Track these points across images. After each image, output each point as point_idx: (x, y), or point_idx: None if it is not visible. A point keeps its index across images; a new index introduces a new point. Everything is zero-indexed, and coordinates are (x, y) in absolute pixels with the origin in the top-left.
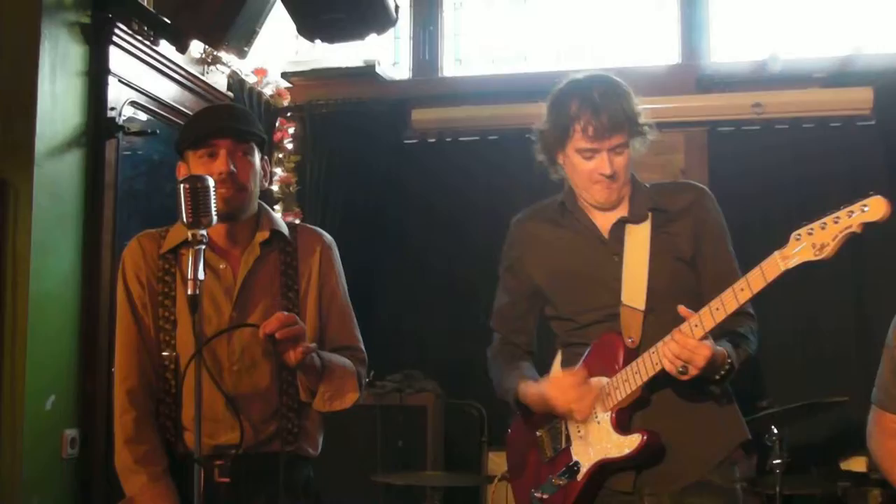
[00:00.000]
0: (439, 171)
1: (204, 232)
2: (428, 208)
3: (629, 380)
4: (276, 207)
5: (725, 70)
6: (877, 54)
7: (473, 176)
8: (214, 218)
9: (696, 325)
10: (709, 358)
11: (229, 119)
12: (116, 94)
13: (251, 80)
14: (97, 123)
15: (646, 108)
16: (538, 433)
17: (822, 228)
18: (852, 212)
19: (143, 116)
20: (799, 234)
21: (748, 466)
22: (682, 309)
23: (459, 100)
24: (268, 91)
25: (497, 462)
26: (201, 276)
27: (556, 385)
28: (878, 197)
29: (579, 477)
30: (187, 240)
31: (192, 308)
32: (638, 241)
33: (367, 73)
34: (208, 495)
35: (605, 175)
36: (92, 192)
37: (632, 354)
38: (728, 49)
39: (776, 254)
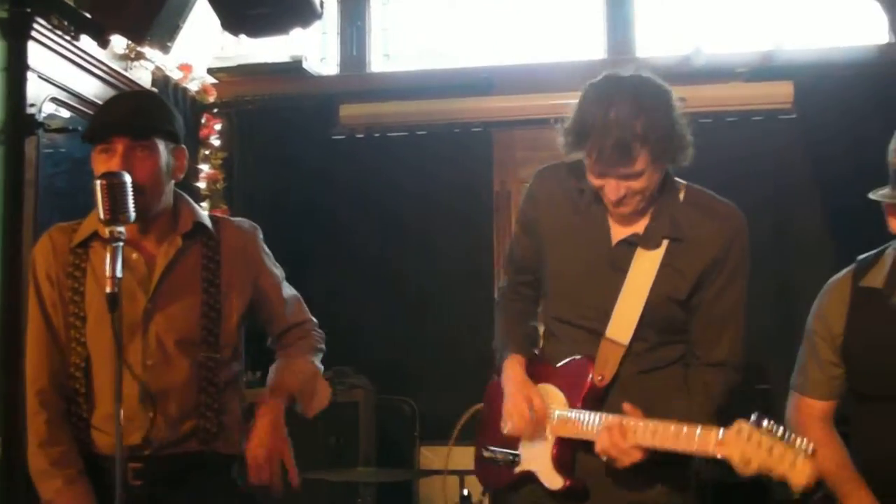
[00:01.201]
0: (368, 167)
1: (122, 229)
2: (357, 204)
3: (577, 426)
4: (204, 204)
5: (650, 65)
6: (798, 49)
7: (402, 171)
8: (132, 215)
9: (634, 433)
10: (636, 462)
11: (128, 114)
12: (36, 91)
13: (176, 76)
14: (16, 120)
15: (574, 102)
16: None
17: (758, 447)
18: (784, 457)
19: (64, 113)
20: (742, 429)
21: None
22: (626, 406)
23: (388, 95)
24: (193, 87)
25: (429, 457)
26: (119, 273)
27: (515, 403)
28: (809, 465)
29: (515, 470)
30: (97, 232)
31: (110, 306)
32: (644, 269)
33: (294, 68)
34: (122, 499)
35: (611, 200)
36: (12, 191)
37: (597, 393)
38: (653, 44)
39: (714, 434)
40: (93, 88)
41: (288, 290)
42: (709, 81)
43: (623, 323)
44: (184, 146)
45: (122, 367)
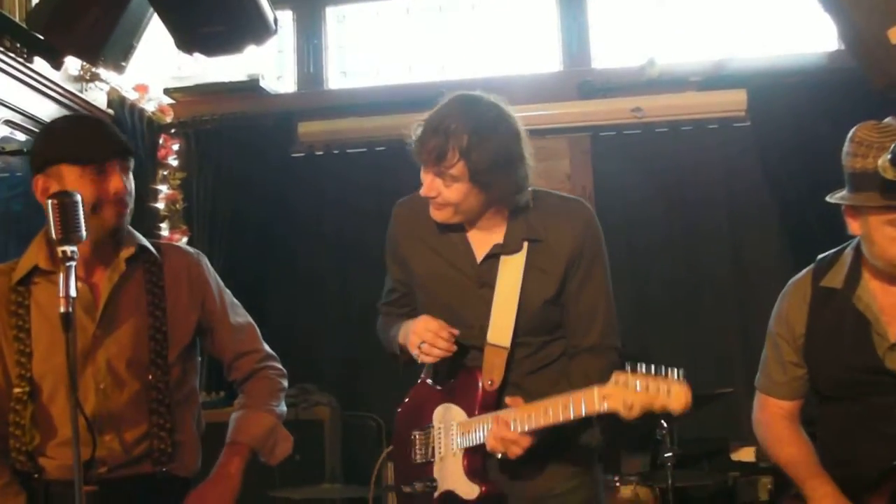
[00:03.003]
0: (328, 184)
1: (74, 248)
2: (317, 221)
3: (476, 432)
4: (163, 226)
5: (606, 76)
6: (749, 57)
7: (362, 187)
8: (84, 233)
9: (518, 421)
10: (526, 449)
11: (112, 136)
12: None
13: (132, 96)
14: None
15: (531, 114)
16: (413, 433)
17: (636, 390)
18: (659, 390)
19: (20, 136)
20: (618, 380)
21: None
22: (507, 399)
23: (346, 112)
24: (150, 107)
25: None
26: (73, 292)
27: (424, 323)
28: (683, 388)
29: (435, 494)
30: (37, 266)
31: (65, 326)
32: (510, 276)
33: (251, 87)
34: None
35: (425, 194)
36: None
37: (491, 397)
38: (608, 55)
39: (596, 389)
40: (48, 110)
41: (238, 318)
42: (663, 91)
43: (501, 327)
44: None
45: (76, 387)
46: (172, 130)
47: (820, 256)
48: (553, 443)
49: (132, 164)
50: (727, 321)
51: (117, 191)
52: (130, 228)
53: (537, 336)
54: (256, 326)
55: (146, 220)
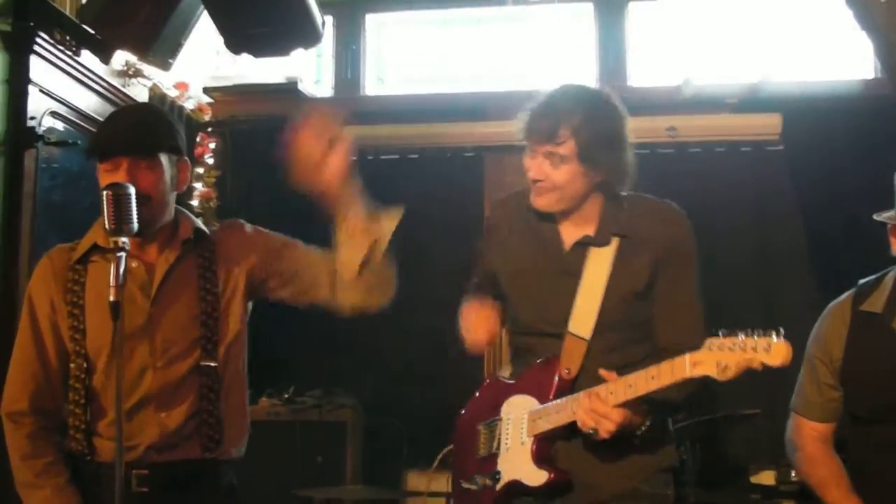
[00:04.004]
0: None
1: (125, 239)
2: None
3: (552, 415)
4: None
5: (641, 94)
6: (786, 82)
7: (393, 194)
8: (136, 226)
9: (612, 394)
10: (619, 425)
11: (130, 131)
12: (37, 104)
13: (172, 93)
14: (16, 133)
15: None
16: (479, 426)
17: (731, 350)
18: (757, 347)
19: (61, 126)
20: (711, 344)
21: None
22: (602, 372)
23: (381, 118)
24: (189, 105)
25: (415, 480)
26: (122, 282)
27: (474, 314)
28: (783, 343)
29: (498, 486)
30: (97, 244)
31: (113, 315)
32: (598, 267)
33: (289, 89)
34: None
35: (531, 179)
36: (10, 203)
37: (566, 385)
38: (644, 74)
39: (687, 356)
40: (91, 103)
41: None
42: (698, 112)
43: (583, 318)
44: (186, 158)
45: (122, 373)
46: (209, 129)
47: (861, 281)
48: (630, 441)
49: (159, 157)
50: None
51: None
52: (188, 215)
53: (619, 332)
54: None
55: None
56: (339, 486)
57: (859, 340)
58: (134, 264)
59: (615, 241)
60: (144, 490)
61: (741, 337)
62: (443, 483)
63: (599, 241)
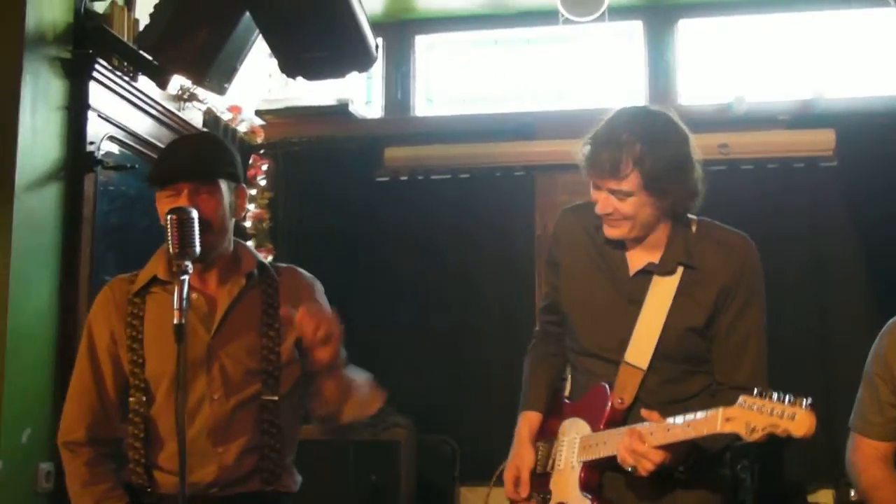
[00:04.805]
0: (411, 209)
1: (188, 262)
2: (400, 245)
3: (599, 445)
4: (249, 243)
5: (693, 112)
6: (839, 98)
7: (445, 213)
8: (198, 249)
9: (651, 434)
10: (657, 465)
11: (192, 158)
12: (95, 129)
13: (226, 116)
14: (76, 157)
15: None
16: (539, 443)
17: (760, 412)
18: (783, 414)
19: (117, 150)
20: (745, 402)
21: None
22: (644, 412)
23: (431, 139)
24: (242, 128)
25: (469, 497)
26: (186, 305)
27: (514, 467)
28: (808, 414)
29: None
30: (157, 276)
31: (177, 338)
32: (660, 297)
33: (340, 111)
34: None
35: (600, 213)
36: (70, 226)
37: (618, 415)
38: (695, 91)
39: (721, 411)
40: (148, 127)
41: None
42: (750, 129)
43: (641, 348)
44: (244, 185)
45: (185, 398)
46: (262, 151)
47: None
48: (680, 475)
49: (219, 184)
50: (809, 364)
51: None
52: (249, 248)
53: (677, 364)
54: None
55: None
56: None
57: None
58: (194, 296)
59: (680, 270)
60: None
61: (770, 401)
62: (496, 501)
63: (664, 269)
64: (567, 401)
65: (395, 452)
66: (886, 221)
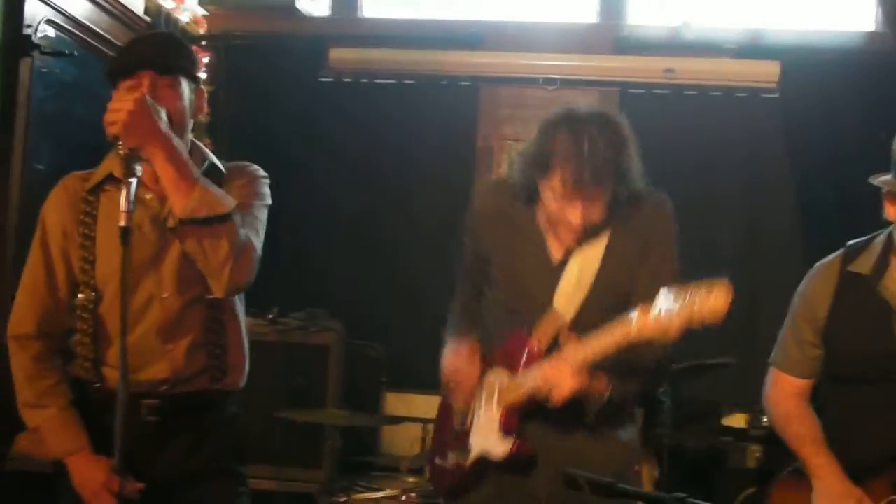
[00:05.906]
0: (354, 112)
1: (138, 166)
2: (340, 148)
3: (518, 388)
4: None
5: (641, 33)
6: (786, 30)
7: (387, 119)
8: None
9: (570, 355)
10: (573, 389)
11: (153, 49)
12: (33, 11)
13: (169, 5)
14: (12, 41)
15: (563, 64)
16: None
17: (676, 297)
18: (699, 291)
19: (55, 34)
20: (658, 295)
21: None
22: (561, 336)
23: (378, 42)
24: (184, 18)
25: (394, 403)
26: (132, 207)
27: (455, 359)
28: (724, 286)
29: (467, 462)
30: (112, 174)
31: (123, 240)
32: (588, 257)
33: (286, 7)
34: (132, 435)
35: (571, 222)
36: (3, 112)
37: (536, 359)
38: (644, 12)
39: (634, 315)
40: (88, 13)
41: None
42: (696, 55)
43: (566, 303)
44: (203, 87)
45: (128, 300)
46: (203, 43)
47: (850, 242)
48: (598, 411)
49: (179, 80)
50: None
51: None
52: (203, 147)
53: (601, 312)
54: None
55: None
56: (321, 409)
57: (845, 301)
58: (148, 196)
59: (608, 230)
60: (153, 419)
61: (683, 289)
62: (420, 408)
63: (591, 231)
64: (485, 356)
65: (324, 356)
66: (823, 157)
